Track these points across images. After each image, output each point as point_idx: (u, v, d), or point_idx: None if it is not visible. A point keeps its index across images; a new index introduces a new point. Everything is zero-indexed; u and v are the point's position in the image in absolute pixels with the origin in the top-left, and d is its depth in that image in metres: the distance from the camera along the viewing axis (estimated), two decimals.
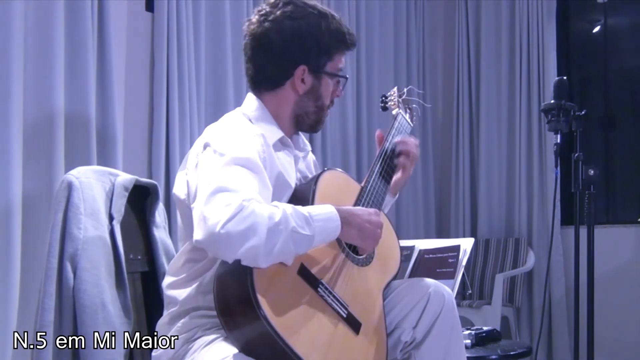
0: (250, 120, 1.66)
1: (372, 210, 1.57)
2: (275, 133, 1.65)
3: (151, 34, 3.06)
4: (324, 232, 1.43)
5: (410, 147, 1.82)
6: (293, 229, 1.36)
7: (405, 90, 2.05)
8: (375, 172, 1.74)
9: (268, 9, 1.66)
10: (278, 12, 1.65)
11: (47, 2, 2.45)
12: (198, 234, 1.34)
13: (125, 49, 2.95)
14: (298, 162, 1.73)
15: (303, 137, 1.81)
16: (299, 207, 1.42)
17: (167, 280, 1.65)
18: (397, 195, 1.93)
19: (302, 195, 1.61)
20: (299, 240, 1.38)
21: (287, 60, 1.66)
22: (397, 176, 1.84)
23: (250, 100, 1.72)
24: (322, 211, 1.45)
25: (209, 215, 1.33)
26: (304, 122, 1.71)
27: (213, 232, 1.30)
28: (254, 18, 1.68)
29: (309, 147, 1.83)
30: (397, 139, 1.84)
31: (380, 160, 1.78)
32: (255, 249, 1.31)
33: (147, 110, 3.05)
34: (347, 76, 1.78)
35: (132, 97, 2.98)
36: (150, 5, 3.06)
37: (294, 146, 1.72)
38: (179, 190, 1.62)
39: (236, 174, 1.42)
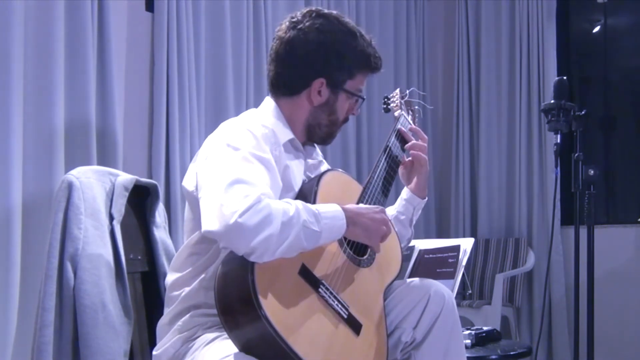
0: (264, 121, 1.66)
1: (376, 207, 1.58)
2: (287, 134, 1.67)
3: (151, 34, 3.06)
4: (330, 229, 1.45)
5: (419, 153, 1.84)
6: (304, 223, 1.39)
7: (407, 92, 2.05)
8: (377, 173, 1.75)
9: (299, 18, 1.69)
10: (307, 23, 1.67)
11: (47, 2, 2.45)
12: (213, 224, 1.35)
13: (125, 49, 2.95)
14: (307, 169, 1.74)
15: (317, 148, 1.83)
16: (308, 204, 1.44)
17: (170, 278, 1.65)
18: (427, 198, 1.93)
19: (304, 195, 1.61)
20: (308, 235, 1.40)
21: (307, 71, 1.67)
22: (415, 180, 1.87)
23: (267, 103, 1.74)
24: (329, 209, 1.47)
25: (226, 204, 1.34)
26: (315, 133, 1.73)
27: (228, 222, 1.32)
28: (285, 24, 1.70)
29: (320, 157, 1.84)
30: (407, 141, 1.86)
31: (382, 160, 1.79)
32: (269, 240, 1.33)
33: (147, 110, 3.05)
34: (365, 97, 1.79)
35: (132, 97, 2.98)
36: (150, 5, 3.06)
37: (304, 152, 1.73)
38: (188, 182, 1.62)
39: (253, 168, 1.45)
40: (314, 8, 1.72)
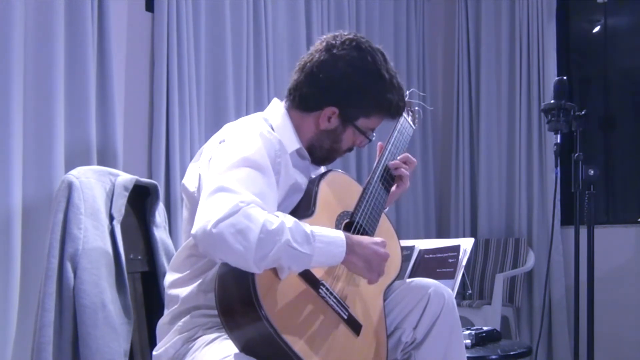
0: (271, 126, 1.64)
1: (379, 240, 1.53)
2: (294, 143, 1.65)
3: (151, 34, 3.06)
4: (324, 254, 1.40)
5: (406, 170, 1.81)
6: (287, 242, 1.33)
7: (407, 92, 2.05)
8: (377, 174, 1.75)
9: (337, 42, 1.65)
10: (342, 52, 1.64)
11: (47, 2, 2.45)
12: (194, 228, 1.34)
13: (125, 49, 2.95)
14: (311, 173, 1.73)
15: None
16: (303, 224, 1.39)
17: (169, 278, 1.64)
18: (387, 208, 1.92)
19: (304, 197, 1.61)
20: (293, 256, 1.35)
21: (324, 96, 1.65)
22: (393, 188, 1.83)
23: (277, 107, 1.71)
24: (328, 233, 1.42)
25: (205, 212, 1.33)
26: (315, 153, 1.71)
27: (205, 230, 1.30)
28: (323, 42, 1.67)
29: None
30: (394, 159, 1.83)
31: (382, 162, 1.78)
32: (244, 254, 1.30)
33: (147, 111, 3.05)
34: (373, 138, 1.75)
35: (132, 96, 2.98)
36: (150, 5, 3.06)
37: (310, 160, 1.72)
38: (189, 182, 1.61)
39: (242, 175, 1.41)
40: (356, 37, 1.67)
